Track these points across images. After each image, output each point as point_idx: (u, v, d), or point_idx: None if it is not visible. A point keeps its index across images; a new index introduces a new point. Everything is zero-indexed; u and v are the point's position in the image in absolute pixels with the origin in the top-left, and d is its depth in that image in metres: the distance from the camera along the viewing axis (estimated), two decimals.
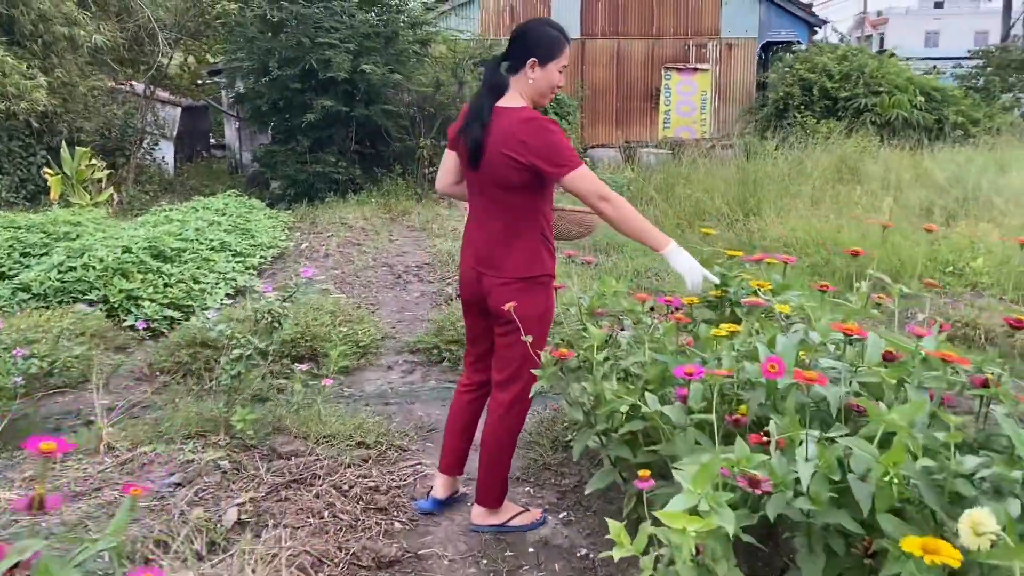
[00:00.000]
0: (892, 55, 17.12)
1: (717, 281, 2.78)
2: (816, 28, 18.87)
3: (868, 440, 1.78)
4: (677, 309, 2.95)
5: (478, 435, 3.00)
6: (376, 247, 8.61)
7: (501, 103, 2.67)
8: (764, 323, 2.73)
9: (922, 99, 15.20)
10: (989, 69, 18.67)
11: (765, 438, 1.79)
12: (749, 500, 1.65)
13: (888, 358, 2.17)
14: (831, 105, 15.43)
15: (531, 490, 3.27)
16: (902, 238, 6.82)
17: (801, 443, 1.72)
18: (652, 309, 3.27)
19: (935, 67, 17.10)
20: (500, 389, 2.82)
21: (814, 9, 18.30)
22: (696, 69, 16.85)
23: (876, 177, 9.52)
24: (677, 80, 16.75)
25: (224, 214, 8.88)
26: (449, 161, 2.87)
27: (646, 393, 2.16)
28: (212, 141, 20.88)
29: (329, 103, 11.39)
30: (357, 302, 6.21)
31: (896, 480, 1.56)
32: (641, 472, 1.78)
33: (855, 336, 2.10)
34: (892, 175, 9.38)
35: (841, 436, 1.74)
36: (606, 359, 2.53)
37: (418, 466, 3.48)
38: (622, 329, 3.11)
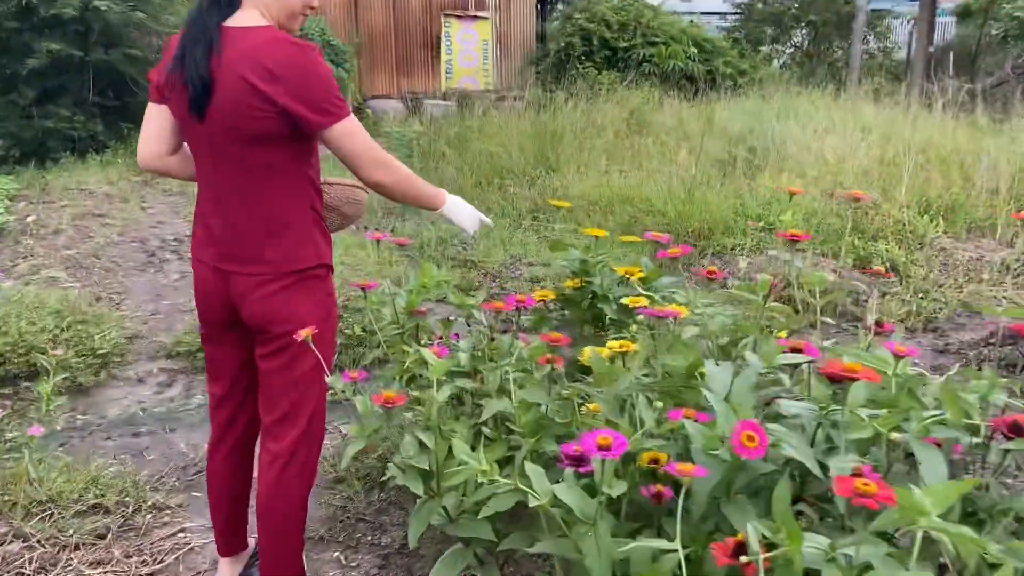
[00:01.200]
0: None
1: (490, 222, 2.22)
2: None
3: (882, 538, 1.16)
4: (524, 308, 2.24)
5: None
6: (124, 218, 7.22)
7: (232, 22, 1.83)
8: (643, 328, 2.08)
9: (695, 50, 15.50)
10: (751, 23, 19.49)
11: (743, 560, 1.11)
12: None
13: (835, 378, 1.58)
14: (611, 56, 15.33)
15: (341, 555, 2.46)
16: (709, 191, 6.56)
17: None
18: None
19: (691, 20, 17.56)
20: (274, 436, 1.99)
21: None
22: (476, 17, 16.15)
23: (667, 129, 9.35)
24: (458, 28, 15.98)
25: None
26: (156, 119, 1.97)
27: (525, 463, 1.41)
28: None
29: (57, 46, 9.53)
30: (96, 292, 4.99)
31: None
32: None
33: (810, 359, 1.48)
34: (684, 126, 9.24)
35: (866, 548, 1.09)
36: (451, 397, 1.77)
37: (181, 534, 2.56)
38: (456, 336, 2.36)
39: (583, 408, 1.65)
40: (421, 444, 1.74)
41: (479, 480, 1.35)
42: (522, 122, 9.43)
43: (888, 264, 5.54)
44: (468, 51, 16.21)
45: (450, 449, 1.78)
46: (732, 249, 5.67)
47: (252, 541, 2.40)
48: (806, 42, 19.30)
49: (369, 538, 2.51)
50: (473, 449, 1.76)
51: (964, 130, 8.31)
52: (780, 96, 11.11)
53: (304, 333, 1.73)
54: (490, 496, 1.53)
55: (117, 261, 5.88)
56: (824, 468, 1.27)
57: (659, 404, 1.50)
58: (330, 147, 1.86)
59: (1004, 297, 5.15)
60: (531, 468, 1.37)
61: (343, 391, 1.73)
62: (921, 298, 4.98)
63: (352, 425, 1.70)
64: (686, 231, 5.89)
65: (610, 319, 2.33)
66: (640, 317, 2.07)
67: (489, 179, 7.86)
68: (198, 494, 2.83)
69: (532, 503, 1.30)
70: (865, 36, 17.91)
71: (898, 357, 1.44)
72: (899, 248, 5.72)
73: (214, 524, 2.27)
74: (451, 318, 2.55)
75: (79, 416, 3.45)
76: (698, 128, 9.11)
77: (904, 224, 5.99)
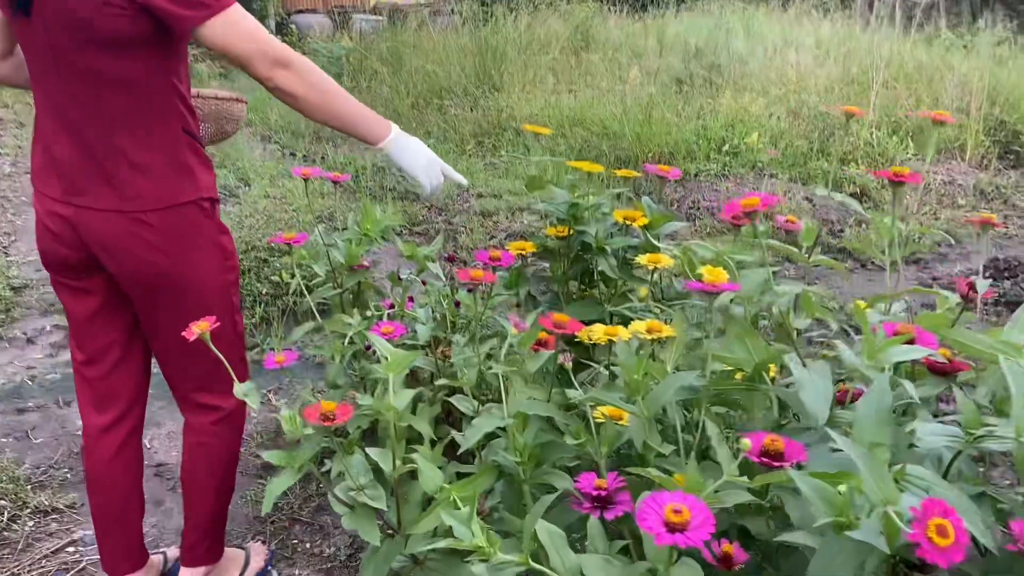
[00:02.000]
0: None
1: (465, 181, 1.71)
2: None
3: None
4: (497, 267, 1.75)
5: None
6: (19, 145, 6.44)
7: None
8: (651, 291, 1.63)
9: None
10: None
11: None
12: None
13: (939, 370, 1.16)
14: None
15: (273, 568, 2.00)
16: (668, 112, 6.08)
17: None
18: (451, 260, 2.08)
19: None
20: (196, 402, 1.71)
21: None
22: None
23: (616, 45, 8.79)
24: None
25: None
26: None
27: (538, 525, 0.96)
28: None
29: None
30: None
31: None
32: None
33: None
34: (633, 42, 8.70)
35: None
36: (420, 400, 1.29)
37: (71, 547, 2.07)
38: (411, 299, 1.88)
39: (595, 413, 1.21)
40: (371, 475, 1.28)
41: (475, 557, 0.89)
42: (460, 38, 8.74)
43: (858, 189, 5.19)
44: None
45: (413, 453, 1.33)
46: (696, 175, 5.24)
47: (158, 558, 1.94)
48: None
49: (308, 545, 2.06)
50: (444, 465, 1.31)
51: (924, 45, 7.97)
52: (729, 11, 10.61)
53: (198, 329, 1.23)
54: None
55: (8, 196, 5.17)
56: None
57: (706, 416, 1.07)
58: (214, 49, 1.39)
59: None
60: (547, 531, 0.92)
61: (255, 406, 1.24)
62: (904, 221, 4.64)
63: (276, 454, 1.22)
64: (645, 156, 5.43)
65: (600, 273, 1.87)
66: (654, 276, 1.62)
67: (427, 100, 7.24)
68: None
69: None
70: None
71: None
72: (869, 172, 5.37)
73: (102, 536, 1.79)
74: (402, 275, 2.05)
75: None
76: (648, 45, 8.58)
77: (873, 146, 5.64)
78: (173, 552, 1.98)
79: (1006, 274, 3.77)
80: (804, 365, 1.04)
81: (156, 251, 1.51)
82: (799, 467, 0.96)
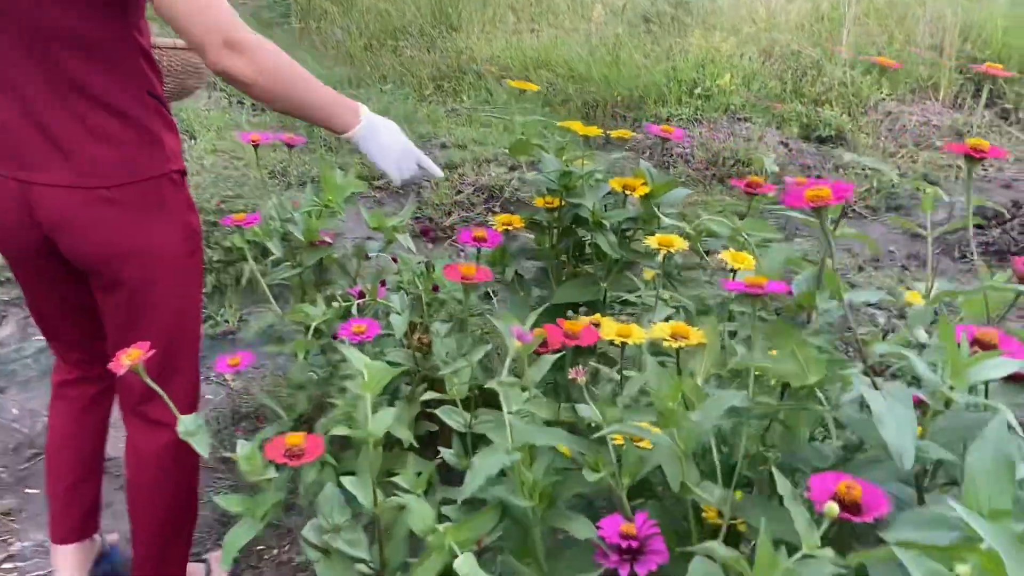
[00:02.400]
0: None
1: (440, 173, 1.51)
2: None
3: None
4: (479, 247, 1.54)
5: None
6: None
7: None
8: (661, 275, 1.43)
9: None
10: None
11: None
12: None
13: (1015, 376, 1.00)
14: None
15: None
16: (635, 53, 5.83)
17: None
18: (425, 234, 1.87)
19: None
20: (145, 417, 1.46)
21: None
22: None
23: None
24: None
25: None
26: None
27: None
28: None
29: None
30: None
31: None
32: None
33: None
34: None
35: None
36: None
37: (9, 563, 1.85)
38: (383, 284, 1.66)
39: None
40: (349, 521, 1.08)
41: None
42: None
43: (834, 132, 5.03)
44: None
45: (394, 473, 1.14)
46: (668, 120, 5.02)
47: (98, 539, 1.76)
48: None
49: (275, 551, 1.87)
50: (426, 489, 1.12)
51: None
52: None
53: (127, 359, 1.01)
54: None
55: None
56: None
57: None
58: (164, 15, 1.17)
59: (959, 167, 4.75)
60: None
61: (204, 453, 1.03)
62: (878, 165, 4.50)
63: (234, 499, 1.02)
64: (614, 100, 5.19)
65: (594, 247, 1.68)
66: (657, 257, 1.42)
67: (381, 41, 6.86)
68: (34, 490, 2.10)
69: None
70: None
71: None
72: (844, 114, 5.20)
73: (61, 501, 1.64)
74: (369, 250, 1.83)
75: None
76: None
77: (847, 85, 5.46)
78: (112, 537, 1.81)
79: (993, 221, 3.64)
80: (875, 385, 0.86)
81: (118, 231, 1.31)
82: (879, 520, 0.78)
